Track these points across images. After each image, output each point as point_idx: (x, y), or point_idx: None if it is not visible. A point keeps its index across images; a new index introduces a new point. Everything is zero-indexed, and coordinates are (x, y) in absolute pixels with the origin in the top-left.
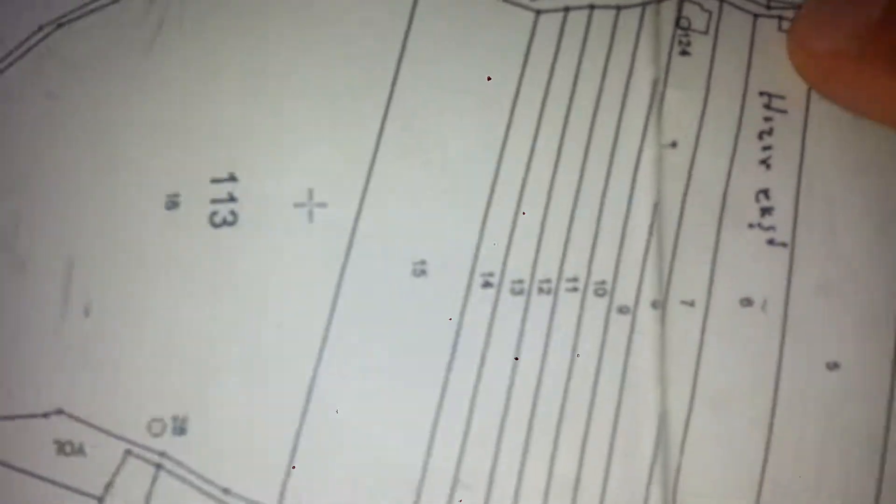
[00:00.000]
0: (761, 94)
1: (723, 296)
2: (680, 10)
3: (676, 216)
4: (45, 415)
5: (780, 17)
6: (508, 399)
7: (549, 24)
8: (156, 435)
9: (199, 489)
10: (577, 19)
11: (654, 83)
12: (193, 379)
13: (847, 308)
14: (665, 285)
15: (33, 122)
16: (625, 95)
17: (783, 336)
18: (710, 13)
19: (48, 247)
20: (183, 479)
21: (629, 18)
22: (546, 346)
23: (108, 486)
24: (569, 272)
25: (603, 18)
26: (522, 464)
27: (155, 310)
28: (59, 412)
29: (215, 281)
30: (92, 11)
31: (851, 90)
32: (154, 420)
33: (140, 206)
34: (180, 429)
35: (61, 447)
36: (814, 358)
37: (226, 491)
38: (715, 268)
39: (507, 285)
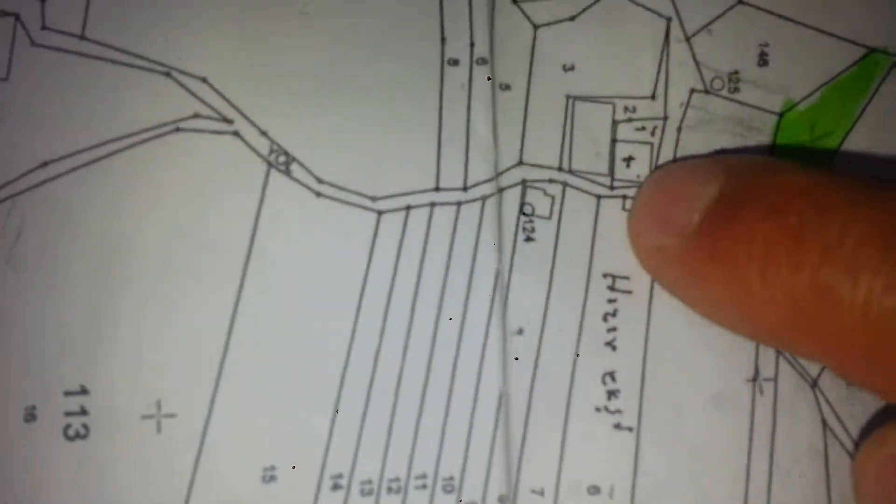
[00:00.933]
0: (605, 275)
1: (571, 484)
2: (523, 196)
3: (524, 404)
4: None
5: (625, 197)
6: None
7: (392, 222)
8: None
9: None
10: (419, 216)
11: (497, 273)
12: None
13: (689, 484)
14: (514, 478)
15: None
16: (469, 286)
17: None
18: (553, 198)
19: None
20: None
21: (470, 212)
22: None
23: None
24: (417, 469)
25: (444, 214)
26: None
27: None
28: None
29: (71, 498)
30: None
31: (679, 285)
32: None
33: (1, 419)
34: None
35: None
36: None
37: None
38: (563, 455)
39: (356, 487)
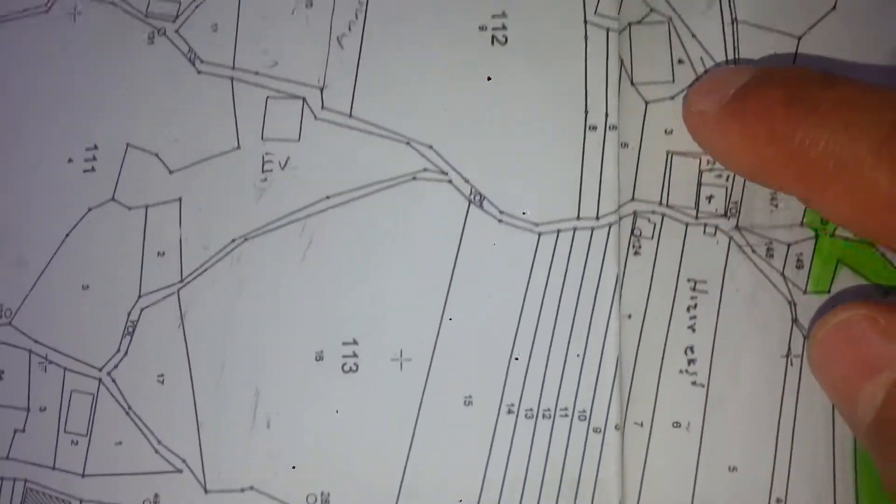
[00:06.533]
0: (689, 280)
1: (661, 419)
2: (634, 223)
3: (631, 365)
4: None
5: (706, 224)
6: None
7: (547, 240)
8: None
9: None
10: (565, 237)
11: (617, 277)
12: (335, 466)
13: (741, 423)
14: (624, 414)
15: (225, 311)
16: (597, 284)
17: (699, 449)
18: (655, 224)
19: (243, 383)
20: None
21: (600, 234)
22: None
23: None
24: (562, 403)
25: (582, 235)
26: None
27: (312, 426)
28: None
29: (348, 413)
30: (266, 232)
31: (712, 139)
32: (310, 494)
33: (299, 358)
34: (326, 501)
35: None
36: (718, 463)
37: None
38: (657, 400)
39: (522, 412)
